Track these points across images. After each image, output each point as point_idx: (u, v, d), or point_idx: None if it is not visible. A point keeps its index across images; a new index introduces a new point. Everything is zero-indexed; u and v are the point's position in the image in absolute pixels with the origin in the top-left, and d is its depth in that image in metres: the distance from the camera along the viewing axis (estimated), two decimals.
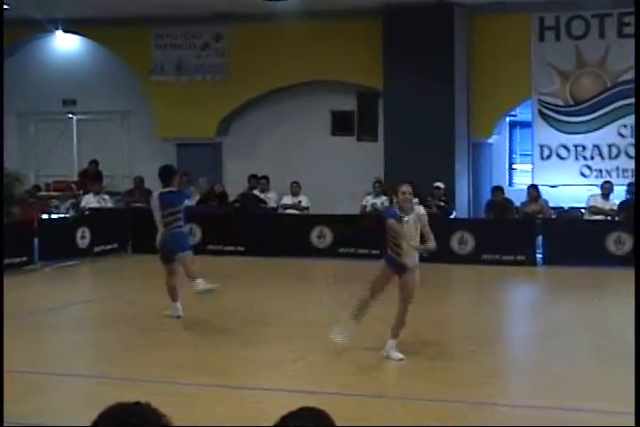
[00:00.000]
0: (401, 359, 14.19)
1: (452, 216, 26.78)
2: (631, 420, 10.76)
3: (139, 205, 25.74)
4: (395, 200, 14.85)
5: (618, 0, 25.86)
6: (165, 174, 18.73)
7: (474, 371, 13.53)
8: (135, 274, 23.35)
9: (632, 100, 26.50)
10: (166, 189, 18.44)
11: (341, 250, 25.68)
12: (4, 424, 8.81)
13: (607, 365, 14.30)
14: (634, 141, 26.65)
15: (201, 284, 18.05)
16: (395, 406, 12.09)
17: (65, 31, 30.84)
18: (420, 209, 14.94)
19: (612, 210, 25.51)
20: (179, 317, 18.20)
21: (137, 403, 4.46)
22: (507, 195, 26.81)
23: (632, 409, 11.28)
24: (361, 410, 11.45)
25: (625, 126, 26.80)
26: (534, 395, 12.90)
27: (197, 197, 28.16)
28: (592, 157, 27.24)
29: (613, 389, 12.61)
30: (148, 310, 19.70)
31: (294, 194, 27.54)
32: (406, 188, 14.51)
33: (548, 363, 14.79)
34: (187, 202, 20.10)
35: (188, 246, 18.84)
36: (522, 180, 28.56)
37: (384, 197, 26.69)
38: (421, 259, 23.90)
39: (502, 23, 27.41)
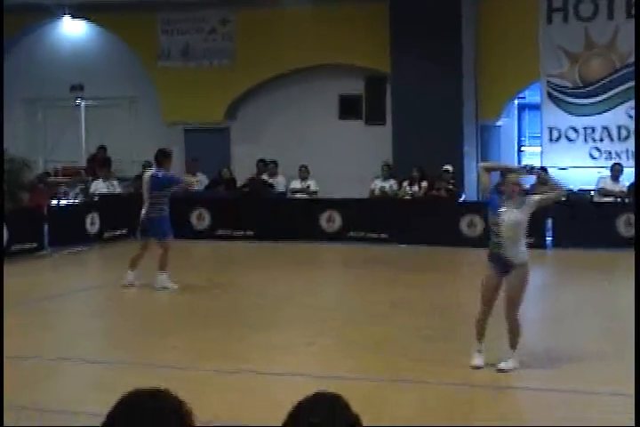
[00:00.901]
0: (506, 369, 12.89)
1: (461, 199, 26.79)
2: None
3: None
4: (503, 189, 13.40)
5: None
6: (160, 157, 19.70)
7: (485, 354, 13.48)
8: (144, 259, 23.38)
9: None
10: (160, 172, 19.36)
11: (351, 234, 25.67)
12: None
13: (616, 347, 14.33)
14: None
15: (164, 281, 19.51)
16: (408, 390, 12.10)
17: (72, 17, 30.88)
18: (531, 199, 13.23)
19: (622, 192, 25.47)
20: (132, 285, 19.72)
21: (156, 389, 4.40)
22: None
23: None
24: (374, 394, 11.43)
25: (633, 108, 26.72)
26: (546, 378, 12.86)
27: (207, 183, 28.19)
28: (601, 139, 27.21)
29: (623, 371, 12.60)
30: (158, 295, 19.74)
31: (303, 178, 27.54)
32: (514, 178, 13.16)
33: (558, 345, 14.83)
34: (175, 188, 20.95)
35: (169, 233, 19.72)
36: (531, 162, 28.48)
37: (393, 181, 26.76)
38: (429, 240, 24.15)
39: (510, 5, 27.40)
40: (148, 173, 20.04)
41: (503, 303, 13.01)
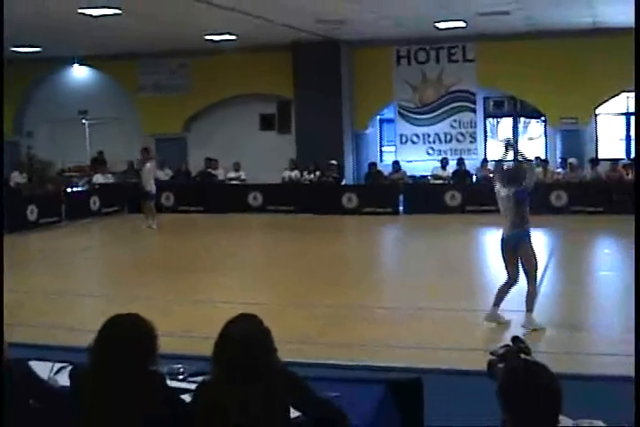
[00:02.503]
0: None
1: (342, 183, 26.87)
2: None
3: (132, 180, 25.73)
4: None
5: (447, 37, 26.00)
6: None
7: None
8: (130, 227, 23.52)
9: (459, 104, 27.04)
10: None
11: (269, 207, 25.70)
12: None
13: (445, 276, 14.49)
14: (462, 131, 27.14)
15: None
16: (301, 310, 12.17)
17: (80, 64, 30.66)
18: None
19: (448, 177, 25.92)
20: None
21: (130, 314, 4.62)
22: (379, 168, 27.20)
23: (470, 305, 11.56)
24: (278, 313, 10.99)
25: (455, 121, 27.12)
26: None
27: (171, 174, 28.26)
28: (434, 142, 27.43)
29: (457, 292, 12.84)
30: (139, 250, 19.99)
31: (236, 170, 27.48)
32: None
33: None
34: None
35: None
36: (388, 157, 28.77)
37: (296, 171, 26.94)
38: (317, 211, 24.40)
39: (373, 53, 27.47)
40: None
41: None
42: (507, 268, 11.03)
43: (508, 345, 4.37)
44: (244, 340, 4.34)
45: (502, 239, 10.94)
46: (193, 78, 29.32)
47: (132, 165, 26.88)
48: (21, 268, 15.87)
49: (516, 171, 11.15)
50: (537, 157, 25.68)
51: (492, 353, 4.39)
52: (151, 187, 23.14)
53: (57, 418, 4.74)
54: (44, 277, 15.80)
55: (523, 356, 4.21)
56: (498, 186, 11.06)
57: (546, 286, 13.68)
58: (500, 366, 4.19)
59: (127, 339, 4.41)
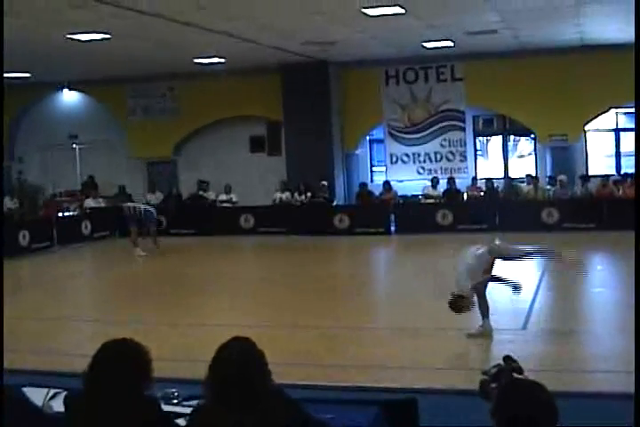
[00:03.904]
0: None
1: (333, 203, 26.92)
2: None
3: (122, 204, 25.67)
4: None
5: (434, 57, 26.14)
6: None
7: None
8: (122, 251, 23.48)
9: (448, 123, 27.14)
10: None
11: (261, 229, 25.67)
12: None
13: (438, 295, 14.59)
14: (452, 150, 27.23)
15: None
16: (292, 332, 12.14)
17: (69, 89, 30.72)
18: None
19: (439, 196, 25.97)
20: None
21: (125, 339, 4.59)
22: (369, 188, 27.22)
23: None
24: (270, 335, 11.12)
25: (445, 140, 27.23)
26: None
27: (162, 198, 28.27)
28: (424, 161, 27.53)
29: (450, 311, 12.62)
30: (131, 274, 19.97)
31: (227, 192, 27.46)
32: None
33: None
34: None
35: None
36: (379, 177, 28.80)
37: (287, 192, 26.97)
38: (308, 232, 24.39)
39: (362, 74, 27.60)
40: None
41: None
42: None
43: (499, 364, 4.38)
44: (239, 363, 4.34)
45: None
46: (182, 102, 29.39)
47: (123, 189, 26.85)
48: (14, 293, 15.83)
49: None
50: (528, 175, 25.80)
51: (484, 373, 4.39)
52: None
53: None
54: (37, 303, 15.74)
55: (515, 375, 4.22)
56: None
57: (539, 303, 13.71)
58: (493, 385, 4.20)
59: (122, 364, 4.41)
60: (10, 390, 4.86)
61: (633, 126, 25.12)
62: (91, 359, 4.45)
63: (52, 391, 5.76)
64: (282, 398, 4.48)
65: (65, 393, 5.40)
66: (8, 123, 30.58)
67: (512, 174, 27.65)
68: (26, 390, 5.18)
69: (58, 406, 5.28)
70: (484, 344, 11.01)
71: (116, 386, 4.34)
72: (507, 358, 4.43)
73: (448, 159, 27.25)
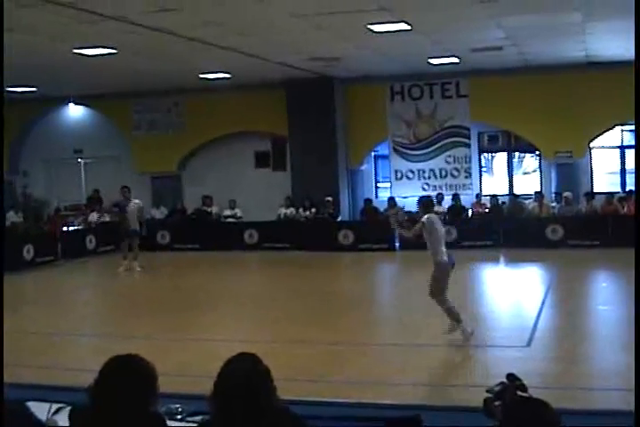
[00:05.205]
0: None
1: (338, 219, 26.91)
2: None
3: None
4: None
5: (439, 74, 26.19)
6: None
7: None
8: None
9: (453, 139, 27.13)
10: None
11: (265, 244, 25.72)
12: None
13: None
14: (457, 166, 27.24)
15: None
16: (299, 348, 12.06)
17: (75, 103, 30.77)
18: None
19: (443, 212, 25.90)
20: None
21: (130, 354, 4.56)
22: (374, 204, 27.24)
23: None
24: (276, 351, 11.50)
25: (449, 156, 27.24)
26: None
27: (167, 212, 28.34)
28: (429, 177, 27.55)
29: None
30: (136, 288, 19.97)
31: (232, 208, 27.55)
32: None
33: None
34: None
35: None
36: (384, 194, 28.79)
37: (292, 208, 27.01)
38: (313, 248, 24.33)
39: (367, 90, 27.62)
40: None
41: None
42: (446, 288, 12.31)
43: (503, 382, 4.38)
44: (245, 379, 4.32)
45: (451, 263, 12.38)
46: (187, 116, 29.45)
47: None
48: (18, 307, 15.86)
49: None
50: (537, 192, 25.72)
51: (487, 391, 4.39)
52: (136, 226, 22.99)
53: None
54: (41, 317, 15.79)
55: (519, 393, 4.22)
56: (438, 225, 12.48)
57: (543, 320, 13.72)
58: (497, 403, 4.20)
59: (128, 380, 4.39)
60: (14, 404, 4.85)
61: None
62: (97, 374, 4.42)
63: (55, 406, 5.74)
64: (287, 415, 4.47)
65: (68, 408, 5.40)
66: (13, 137, 30.69)
67: (517, 191, 27.63)
68: (29, 404, 5.16)
69: (62, 421, 5.28)
70: (488, 361, 11.00)
71: (122, 401, 4.32)
72: (510, 376, 4.43)
73: (453, 175, 27.28)
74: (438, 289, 12.25)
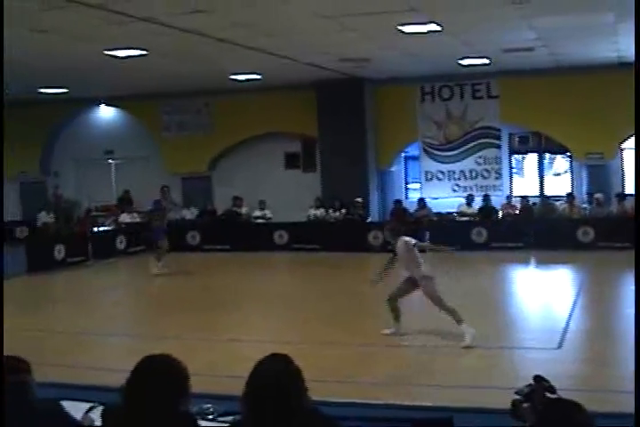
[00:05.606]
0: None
1: (368, 220, 26.91)
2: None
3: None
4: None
5: (470, 74, 26.17)
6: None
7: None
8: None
9: (483, 141, 27.10)
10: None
11: (295, 245, 25.80)
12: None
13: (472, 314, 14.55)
14: (487, 167, 27.20)
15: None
16: (329, 349, 12.12)
17: (106, 105, 31.05)
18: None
19: (474, 213, 25.96)
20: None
21: (162, 354, 4.58)
22: (404, 205, 27.25)
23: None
24: (307, 352, 11.55)
25: (480, 157, 27.23)
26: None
27: (197, 213, 28.46)
28: (459, 178, 27.52)
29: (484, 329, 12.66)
30: (166, 288, 20.04)
31: (262, 209, 27.62)
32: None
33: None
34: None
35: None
36: (414, 195, 28.81)
37: (322, 209, 27.05)
38: (342, 249, 24.31)
39: (397, 91, 27.61)
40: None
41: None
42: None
43: (532, 384, 4.39)
44: (277, 380, 4.35)
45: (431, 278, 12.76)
46: (217, 117, 29.59)
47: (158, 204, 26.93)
48: (49, 307, 15.99)
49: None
50: (569, 194, 25.63)
51: (516, 393, 4.40)
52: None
53: None
54: (72, 317, 15.86)
55: (548, 395, 4.23)
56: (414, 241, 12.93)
57: (574, 322, 13.68)
58: (525, 405, 4.21)
59: (160, 380, 4.42)
60: (49, 403, 4.91)
61: None
62: (130, 374, 4.46)
63: (87, 406, 5.78)
64: (318, 415, 4.48)
65: (101, 407, 5.44)
66: (45, 138, 30.95)
67: (547, 192, 27.56)
68: (63, 403, 5.21)
69: (96, 419, 5.32)
70: (518, 363, 10.99)
71: (154, 402, 4.36)
72: (537, 378, 4.44)
73: (483, 177, 27.24)
74: (439, 298, 12.60)
